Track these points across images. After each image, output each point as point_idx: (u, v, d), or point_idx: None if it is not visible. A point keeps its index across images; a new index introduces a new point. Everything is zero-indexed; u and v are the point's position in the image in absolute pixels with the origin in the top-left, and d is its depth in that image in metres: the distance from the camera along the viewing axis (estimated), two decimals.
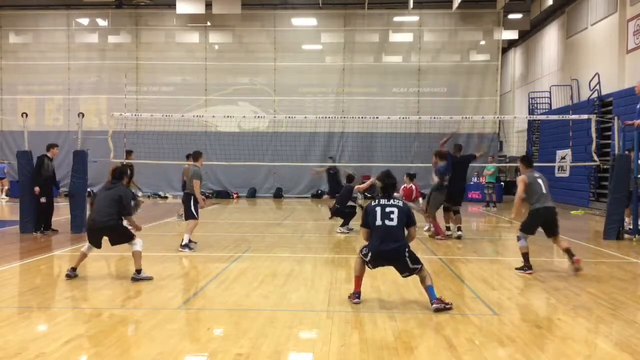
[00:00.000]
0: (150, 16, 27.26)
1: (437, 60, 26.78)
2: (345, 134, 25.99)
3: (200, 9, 24.18)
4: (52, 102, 27.53)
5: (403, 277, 6.55)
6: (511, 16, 26.22)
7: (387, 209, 6.36)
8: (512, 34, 27.22)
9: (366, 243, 6.52)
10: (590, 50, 21.60)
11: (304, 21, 27.14)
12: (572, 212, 19.11)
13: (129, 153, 15.07)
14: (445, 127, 24.21)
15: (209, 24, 26.63)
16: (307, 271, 8.45)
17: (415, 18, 26.38)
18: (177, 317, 6.02)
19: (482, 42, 26.74)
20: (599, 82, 19.87)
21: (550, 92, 24.84)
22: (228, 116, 22.86)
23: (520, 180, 8.68)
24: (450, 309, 6.17)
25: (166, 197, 26.02)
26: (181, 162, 22.61)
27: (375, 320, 5.82)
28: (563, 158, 21.61)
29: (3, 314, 6.04)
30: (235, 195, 26.30)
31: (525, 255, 8.47)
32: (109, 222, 7.62)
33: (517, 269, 8.53)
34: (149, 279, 7.71)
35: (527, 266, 8.43)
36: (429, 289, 6.31)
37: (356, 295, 6.53)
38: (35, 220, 12.34)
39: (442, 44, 26.84)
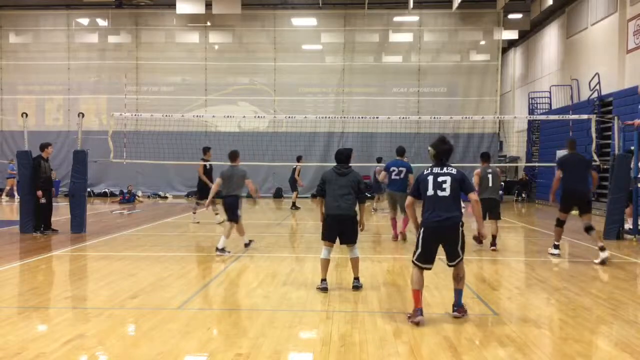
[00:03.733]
0: (150, 16, 27.26)
1: (437, 60, 26.78)
2: (345, 134, 25.99)
3: (200, 9, 24.19)
4: (52, 102, 27.54)
5: (450, 266, 6.05)
6: (511, 16, 26.22)
7: (440, 178, 5.90)
8: (512, 34, 27.21)
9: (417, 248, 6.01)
10: (590, 50, 21.60)
11: (304, 21, 27.14)
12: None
13: (206, 150, 15.01)
14: (445, 127, 24.30)
15: (209, 24, 26.64)
16: (307, 271, 8.45)
17: (415, 18, 26.38)
18: (177, 317, 6.02)
19: (482, 42, 26.75)
20: (599, 82, 19.87)
21: (550, 92, 24.85)
22: (228, 116, 22.87)
23: (475, 173, 10.54)
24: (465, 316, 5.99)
25: (166, 197, 26.01)
26: (182, 162, 22.76)
27: (375, 320, 5.82)
28: None
29: (3, 314, 6.04)
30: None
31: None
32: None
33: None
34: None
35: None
36: (459, 293, 6.05)
37: (418, 312, 5.73)
38: (35, 220, 12.34)
39: (442, 44, 26.84)
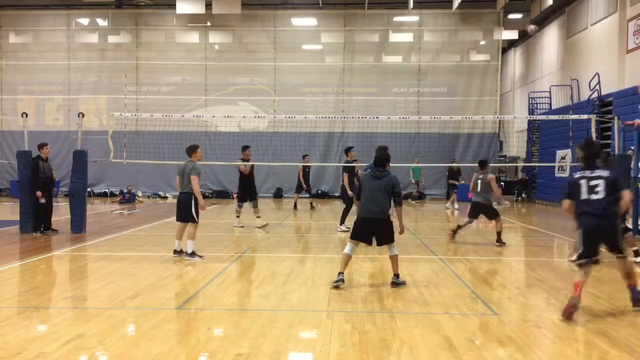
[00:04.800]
0: (150, 16, 27.27)
1: (437, 60, 26.79)
2: (345, 134, 25.99)
3: (200, 9, 24.19)
4: (52, 102, 27.54)
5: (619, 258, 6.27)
6: (511, 16, 26.24)
7: (592, 182, 6.06)
8: (512, 34, 27.22)
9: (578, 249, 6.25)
10: (590, 50, 21.60)
11: (304, 21, 27.14)
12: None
13: (245, 148, 14.28)
14: (445, 127, 24.31)
15: (209, 24, 26.64)
16: (307, 271, 8.45)
17: (415, 18, 26.38)
18: (177, 317, 6.02)
19: (482, 42, 26.75)
20: (599, 82, 19.87)
21: (550, 92, 24.85)
22: (228, 116, 22.86)
23: (472, 180, 11.67)
24: None
25: (166, 197, 26.01)
26: (182, 162, 22.67)
27: (375, 320, 5.82)
28: (563, 158, 21.61)
29: (3, 314, 6.04)
30: (235, 196, 26.22)
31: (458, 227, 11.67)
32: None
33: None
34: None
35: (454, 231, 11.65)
36: (631, 289, 6.21)
37: (572, 309, 5.92)
38: (35, 220, 12.34)
39: (442, 44, 26.85)
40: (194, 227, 9.42)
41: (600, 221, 6.02)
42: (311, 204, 20.00)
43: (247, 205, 14.14)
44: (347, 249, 7.40)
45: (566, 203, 6.33)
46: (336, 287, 7.15)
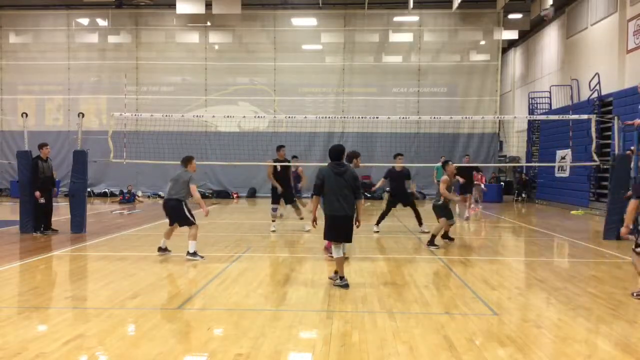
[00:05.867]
0: (150, 16, 27.27)
1: (437, 60, 26.79)
2: (345, 134, 25.98)
3: (200, 9, 24.18)
4: (52, 102, 27.54)
5: None
6: (511, 16, 26.21)
7: None
8: (512, 34, 27.21)
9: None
10: (590, 50, 21.59)
11: (304, 21, 27.14)
12: (572, 212, 19.13)
13: (279, 148, 13.71)
14: (445, 127, 24.31)
15: (209, 24, 26.64)
16: (307, 271, 8.45)
17: (415, 18, 26.38)
18: (177, 317, 6.02)
19: (482, 42, 26.75)
20: (599, 82, 19.87)
21: (550, 92, 24.85)
22: (228, 116, 22.87)
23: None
24: None
25: None
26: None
27: (375, 320, 5.82)
28: (563, 158, 21.61)
29: (3, 314, 6.04)
30: (235, 195, 26.31)
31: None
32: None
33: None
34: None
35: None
36: None
37: None
38: (35, 220, 12.34)
39: (442, 44, 26.85)
40: (195, 229, 9.49)
41: None
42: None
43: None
44: (338, 253, 7.38)
45: (634, 204, 6.70)
46: (345, 287, 7.19)
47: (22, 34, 27.49)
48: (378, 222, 13.22)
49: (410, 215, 13.41)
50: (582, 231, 13.96)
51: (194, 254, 9.39)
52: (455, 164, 19.05)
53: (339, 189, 7.24)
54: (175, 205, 9.46)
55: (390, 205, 13.21)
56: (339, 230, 7.32)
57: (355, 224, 7.41)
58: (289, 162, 13.80)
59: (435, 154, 23.81)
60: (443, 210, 10.88)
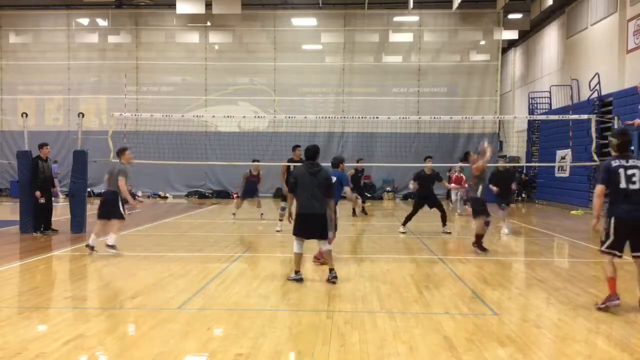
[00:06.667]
0: (150, 16, 27.28)
1: (437, 60, 26.80)
2: (345, 134, 25.99)
3: (200, 9, 24.19)
4: (52, 102, 27.56)
5: (635, 257, 6.30)
6: (511, 16, 26.22)
7: (629, 171, 6.13)
8: (512, 34, 27.22)
9: (603, 236, 6.32)
10: (590, 50, 21.59)
11: (304, 21, 27.14)
12: (572, 212, 19.13)
13: (295, 147, 13.32)
14: (445, 127, 24.30)
15: (209, 24, 26.65)
16: (307, 271, 8.45)
17: (415, 18, 26.39)
18: (177, 317, 6.01)
19: (482, 42, 26.76)
20: (599, 82, 19.87)
21: (550, 92, 24.85)
22: (228, 116, 22.87)
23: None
24: None
25: (166, 197, 26.01)
26: (182, 162, 22.75)
27: (375, 320, 5.82)
28: (563, 158, 21.62)
29: (3, 314, 6.04)
30: (235, 195, 26.25)
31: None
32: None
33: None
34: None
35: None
36: None
37: (614, 298, 6.16)
38: (35, 220, 12.33)
39: (442, 44, 26.86)
40: (120, 223, 9.76)
41: (633, 212, 6.06)
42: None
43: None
44: (296, 248, 7.68)
45: (601, 189, 6.27)
46: (299, 282, 7.51)
47: (22, 34, 27.50)
48: (404, 223, 13.27)
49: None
50: (582, 231, 13.95)
51: (113, 247, 9.58)
52: (457, 164, 18.91)
53: (310, 188, 7.51)
54: (111, 197, 9.78)
55: (418, 206, 13.24)
56: (306, 227, 7.58)
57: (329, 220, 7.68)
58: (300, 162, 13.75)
59: (436, 154, 23.81)
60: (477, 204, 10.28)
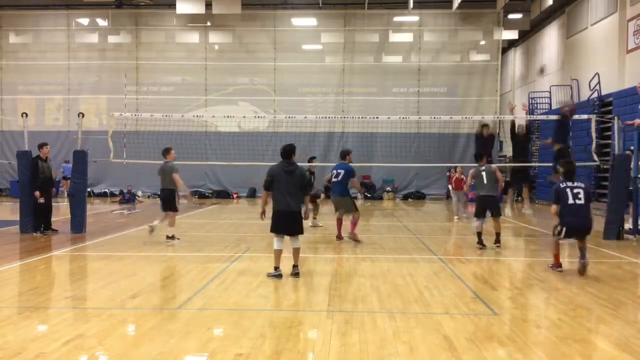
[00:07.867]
0: (150, 16, 27.27)
1: (437, 60, 26.78)
2: (345, 134, 25.98)
3: (200, 9, 24.18)
4: (52, 102, 27.54)
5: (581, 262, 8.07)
6: (511, 16, 26.22)
7: (575, 190, 8.10)
8: (512, 34, 27.21)
9: (556, 224, 8.22)
10: (590, 50, 21.60)
11: (304, 21, 27.13)
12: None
13: (311, 158, 14.27)
14: (445, 127, 24.29)
15: (209, 24, 26.64)
16: (307, 271, 8.45)
17: (415, 18, 26.37)
18: (177, 317, 6.02)
19: (482, 42, 26.74)
20: (599, 82, 19.87)
21: (550, 92, 24.84)
22: (228, 116, 22.85)
23: (469, 174, 11.08)
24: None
25: None
26: (181, 162, 22.65)
27: (375, 320, 5.82)
28: None
29: (3, 314, 6.04)
30: (235, 195, 26.31)
31: (479, 235, 10.61)
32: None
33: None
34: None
35: (480, 243, 10.53)
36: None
37: (558, 265, 8.49)
38: (35, 220, 12.33)
39: (442, 44, 26.85)
40: (175, 215, 11.33)
41: (581, 221, 8.13)
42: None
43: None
44: (276, 245, 7.98)
45: (554, 208, 8.27)
46: (278, 277, 7.74)
47: (22, 34, 27.49)
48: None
49: (410, 215, 13.39)
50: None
51: (172, 237, 11.21)
52: (458, 165, 18.86)
53: (286, 187, 7.83)
54: (167, 194, 11.13)
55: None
56: (281, 224, 7.87)
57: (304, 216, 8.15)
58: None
59: (436, 154, 23.84)
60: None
